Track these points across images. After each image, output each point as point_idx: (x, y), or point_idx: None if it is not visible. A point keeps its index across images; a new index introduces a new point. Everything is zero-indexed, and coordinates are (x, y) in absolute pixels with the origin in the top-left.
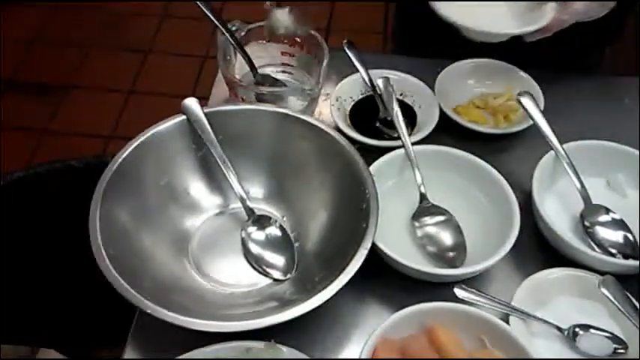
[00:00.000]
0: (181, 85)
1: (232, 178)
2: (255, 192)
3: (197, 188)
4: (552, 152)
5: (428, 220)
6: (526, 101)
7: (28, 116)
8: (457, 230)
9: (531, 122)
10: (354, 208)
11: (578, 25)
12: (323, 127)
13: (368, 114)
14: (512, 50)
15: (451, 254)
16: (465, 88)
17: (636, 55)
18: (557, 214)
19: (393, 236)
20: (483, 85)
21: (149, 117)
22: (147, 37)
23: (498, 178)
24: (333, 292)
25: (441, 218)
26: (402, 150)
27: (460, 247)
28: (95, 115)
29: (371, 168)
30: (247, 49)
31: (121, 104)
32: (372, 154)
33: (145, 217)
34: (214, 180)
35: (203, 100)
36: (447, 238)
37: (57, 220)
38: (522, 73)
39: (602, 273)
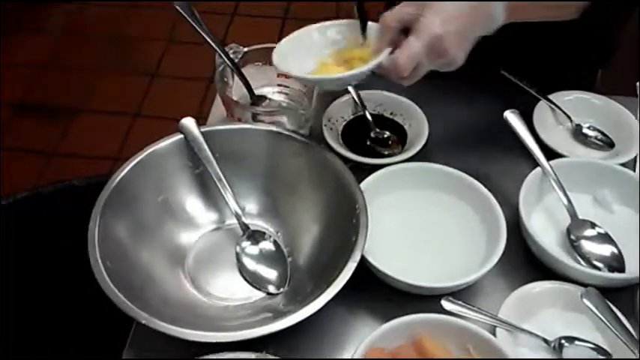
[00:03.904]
0: (187, 108)
1: (228, 196)
2: (251, 208)
3: (194, 205)
4: (539, 168)
5: None
6: (512, 118)
7: (38, 139)
8: None
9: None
10: (345, 223)
11: (570, 47)
12: (315, 145)
13: (359, 133)
14: (505, 69)
15: None
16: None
17: (630, 78)
18: (544, 228)
19: (383, 250)
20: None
21: (155, 140)
22: (153, 62)
23: (486, 194)
24: (323, 303)
25: None
26: (392, 167)
27: None
28: (102, 137)
29: (362, 184)
30: (244, 71)
31: (128, 127)
32: (363, 172)
33: (142, 232)
34: (211, 197)
35: (203, 120)
36: None
37: (61, 238)
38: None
39: (587, 286)
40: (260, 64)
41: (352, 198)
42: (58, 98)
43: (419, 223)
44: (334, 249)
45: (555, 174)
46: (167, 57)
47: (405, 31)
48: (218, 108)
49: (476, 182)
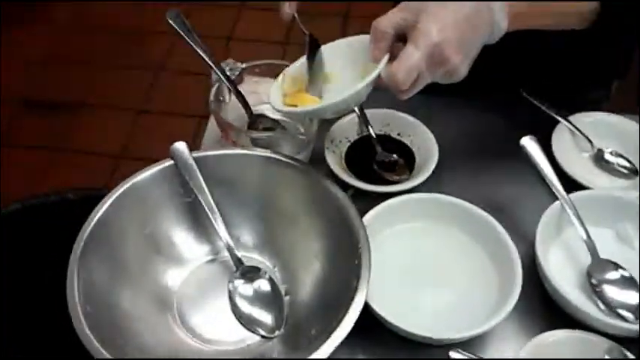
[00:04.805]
0: (192, 104)
1: (220, 228)
2: (246, 239)
3: (184, 237)
4: (558, 202)
5: None
6: (530, 145)
7: (42, 135)
8: None
9: None
10: (347, 263)
11: (584, 59)
12: (315, 173)
13: (364, 156)
14: (517, 84)
15: None
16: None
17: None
18: (563, 268)
19: (387, 292)
20: None
21: (159, 136)
22: (159, 56)
23: (501, 231)
24: (323, 357)
25: None
26: (397, 199)
27: None
28: (107, 133)
29: (366, 217)
30: (242, 87)
31: (132, 123)
32: (368, 198)
33: (126, 271)
34: (203, 227)
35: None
36: None
37: (54, 252)
38: None
39: (610, 335)
40: (258, 78)
41: (354, 235)
42: (62, 93)
43: (426, 260)
44: (334, 290)
45: (575, 209)
46: (173, 51)
47: (400, 37)
48: (214, 125)
49: (490, 218)
